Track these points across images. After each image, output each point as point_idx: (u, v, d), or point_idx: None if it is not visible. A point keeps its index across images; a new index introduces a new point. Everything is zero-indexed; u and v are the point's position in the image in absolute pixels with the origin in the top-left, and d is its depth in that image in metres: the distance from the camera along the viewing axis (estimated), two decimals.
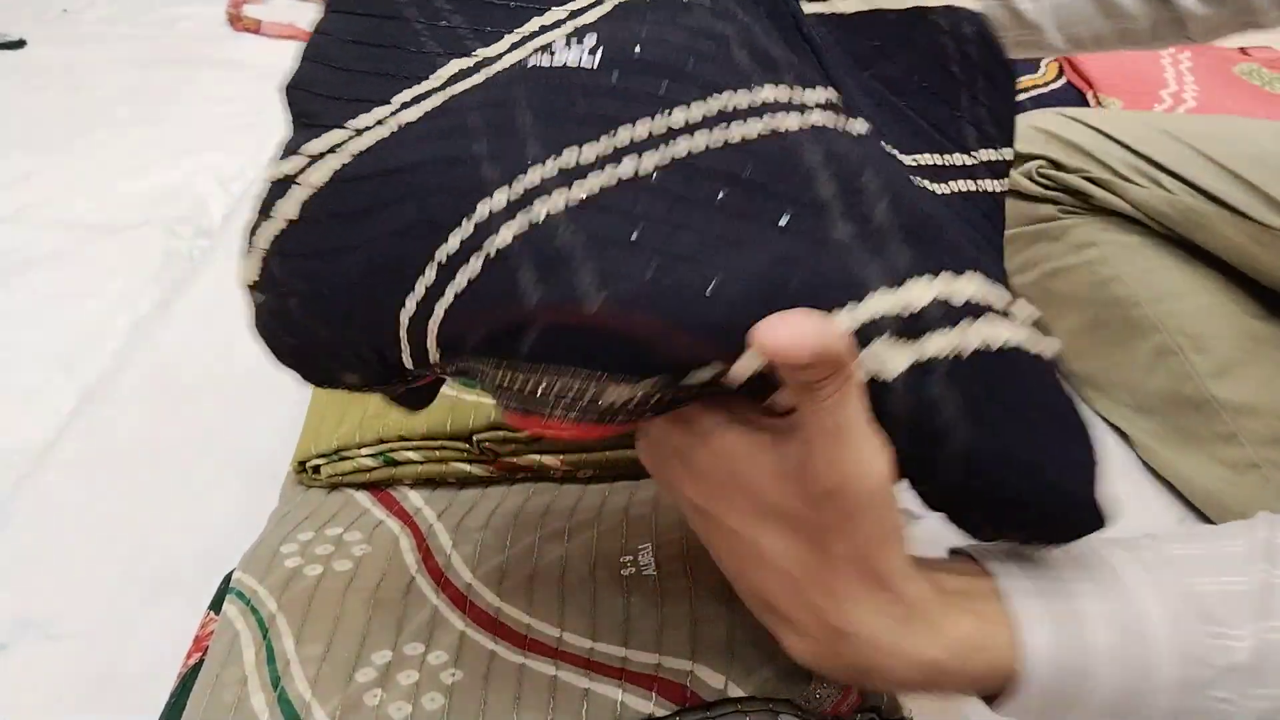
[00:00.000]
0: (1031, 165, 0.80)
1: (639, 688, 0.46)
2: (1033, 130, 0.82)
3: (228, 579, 0.58)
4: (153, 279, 0.95)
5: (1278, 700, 0.33)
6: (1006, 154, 0.41)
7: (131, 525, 0.67)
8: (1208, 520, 0.67)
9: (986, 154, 0.41)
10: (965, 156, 0.40)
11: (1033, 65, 1.14)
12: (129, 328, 0.89)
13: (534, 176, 0.32)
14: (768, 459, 0.32)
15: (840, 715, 0.47)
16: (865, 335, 0.32)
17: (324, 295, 0.36)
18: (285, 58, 1.38)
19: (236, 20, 1.53)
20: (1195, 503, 0.68)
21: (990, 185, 0.40)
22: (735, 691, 0.46)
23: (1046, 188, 0.79)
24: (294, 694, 0.48)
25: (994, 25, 0.41)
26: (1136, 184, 0.75)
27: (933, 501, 0.35)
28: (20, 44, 1.43)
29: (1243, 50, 1.19)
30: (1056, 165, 0.79)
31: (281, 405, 0.77)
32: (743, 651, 0.47)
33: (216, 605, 0.57)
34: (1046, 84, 1.11)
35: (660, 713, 0.46)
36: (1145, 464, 0.71)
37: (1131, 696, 0.34)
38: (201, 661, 0.51)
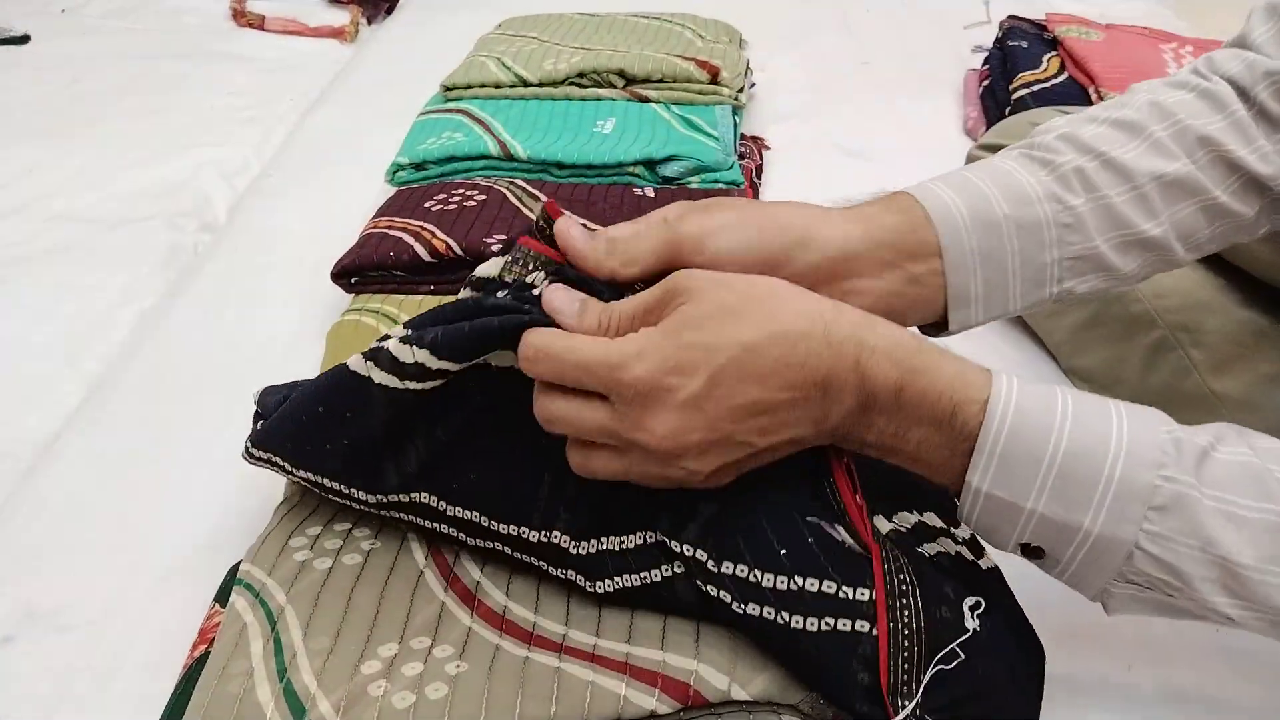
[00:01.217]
0: None
1: (642, 683, 0.47)
2: (1030, 126, 0.82)
3: (233, 571, 0.58)
4: (157, 272, 0.96)
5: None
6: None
7: (137, 517, 0.68)
8: None
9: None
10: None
11: (1035, 60, 1.14)
12: (134, 321, 0.90)
13: None
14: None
15: None
16: None
17: None
18: (288, 52, 1.39)
19: (240, 15, 1.53)
20: None
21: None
22: (739, 694, 0.47)
23: None
24: (299, 685, 0.48)
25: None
26: None
27: None
28: (25, 39, 1.44)
29: None
30: None
31: None
32: (746, 654, 0.48)
33: (222, 598, 0.57)
34: (1049, 79, 1.11)
35: (663, 709, 0.46)
36: None
37: (1085, 457, 0.41)
38: (207, 654, 0.52)
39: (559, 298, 0.46)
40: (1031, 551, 0.44)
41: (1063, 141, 0.55)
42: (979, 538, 0.47)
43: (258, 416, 0.60)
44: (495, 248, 0.83)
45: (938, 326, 0.53)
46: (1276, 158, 0.54)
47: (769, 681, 0.47)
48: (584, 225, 0.49)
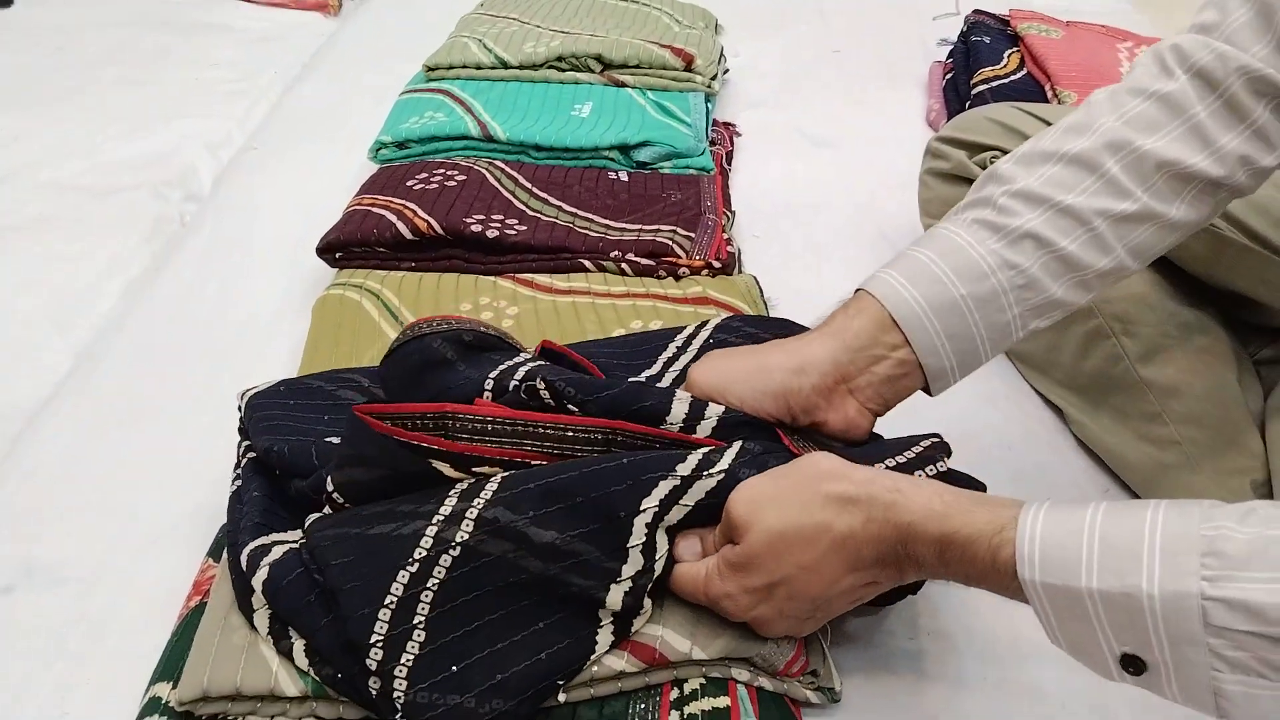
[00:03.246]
0: (985, 155, 0.85)
1: (614, 648, 0.52)
2: (988, 122, 0.87)
3: (224, 529, 0.62)
4: (144, 242, 0.98)
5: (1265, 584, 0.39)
6: None
7: (129, 478, 0.71)
8: (1131, 491, 0.72)
9: None
10: None
11: (996, 56, 1.18)
12: (121, 290, 0.92)
13: None
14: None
15: (790, 675, 0.53)
16: None
17: None
18: (271, 24, 1.40)
19: None
20: (1120, 474, 0.73)
21: None
22: (699, 655, 0.52)
23: None
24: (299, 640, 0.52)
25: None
26: None
27: None
28: (7, 2, 1.44)
29: None
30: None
31: (272, 363, 0.81)
32: (706, 621, 0.53)
33: (215, 553, 0.61)
34: (1008, 75, 1.15)
35: (631, 669, 0.52)
36: (1076, 438, 0.77)
37: (1122, 558, 0.41)
38: (203, 605, 0.56)
39: (684, 551, 0.54)
40: (1132, 663, 0.42)
41: (1015, 200, 0.57)
42: (1085, 665, 0.45)
43: (242, 426, 0.63)
44: (474, 226, 0.86)
45: (925, 389, 0.59)
46: (1232, 152, 0.57)
47: (727, 642, 0.52)
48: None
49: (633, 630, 0.52)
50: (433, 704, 0.48)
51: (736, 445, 0.53)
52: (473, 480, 0.53)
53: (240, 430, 0.63)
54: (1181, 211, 0.57)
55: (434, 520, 0.51)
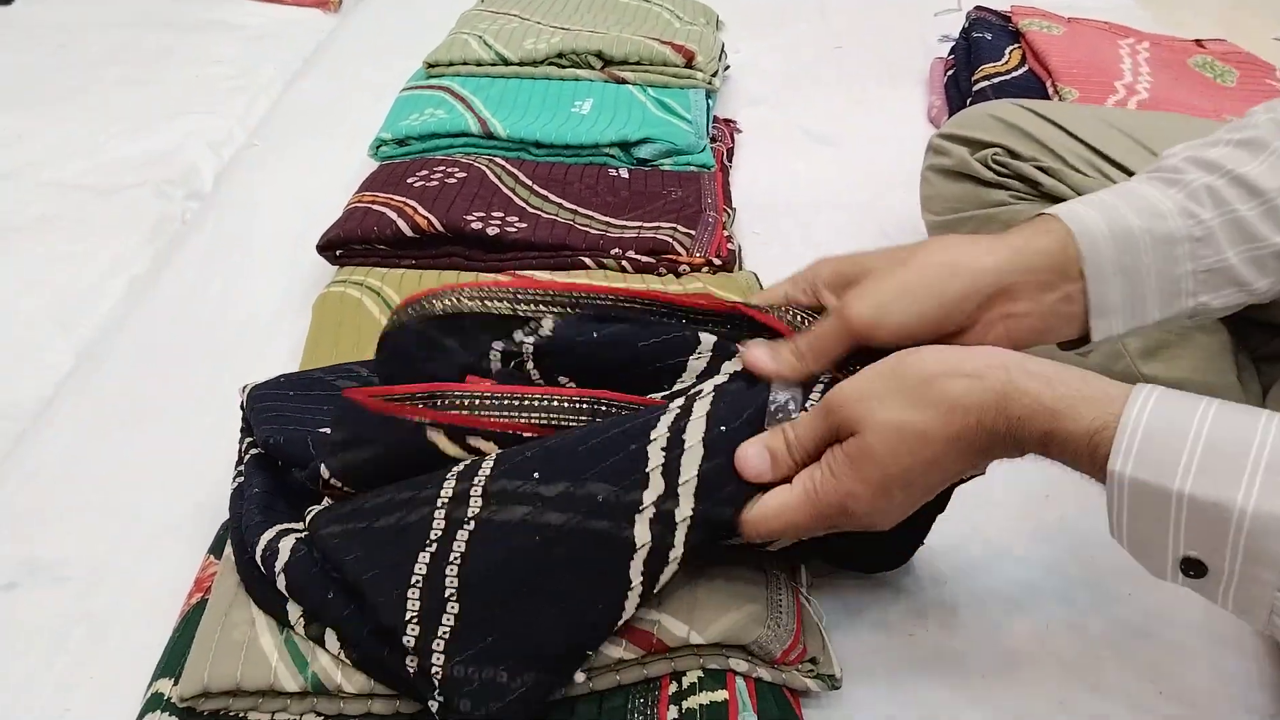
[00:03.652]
0: (987, 152, 0.85)
1: (613, 635, 0.52)
2: (990, 118, 0.87)
3: (226, 526, 0.62)
4: (146, 241, 0.98)
5: None
6: None
7: (131, 477, 0.71)
8: None
9: None
10: None
11: (998, 52, 1.18)
12: (124, 289, 0.92)
13: None
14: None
15: (788, 663, 0.53)
16: None
17: None
18: (271, 21, 1.40)
19: None
20: None
21: None
22: (696, 639, 0.52)
23: (1000, 174, 0.84)
24: (300, 637, 0.52)
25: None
26: (1084, 174, 0.80)
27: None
28: (8, 0, 1.44)
29: (1198, 43, 1.24)
30: (1011, 153, 0.84)
31: (273, 361, 0.81)
32: (704, 606, 0.53)
33: (216, 550, 0.61)
34: (1009, 71, 1.15)
35: (629, 656, 0.52)
36: None
37: None
38: (204, 601, 0.56)
39: (752, 458, 0.51)
40: (1193, 567, 0.42)
41: (1189, 164, 0.57)
42: (1139, 562, 0.46)
43: (245, 422, 0.63)
44: (474, 224, 0.86)
45: (1081, 340, 0.56)
46: None
47: (724, 628, 0.52)
48: (762, 344, 0.54)
49: (659, 583, 0.50)
50: (468, 678, 0.48)
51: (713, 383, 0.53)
52: (469, 460, 0.52)
53: (242, 425, 0.63)
54: None
55: (438, 504, 0.51)
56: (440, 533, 0.50)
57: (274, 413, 0.61)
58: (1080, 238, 0.54)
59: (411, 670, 0.48)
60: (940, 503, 0.55)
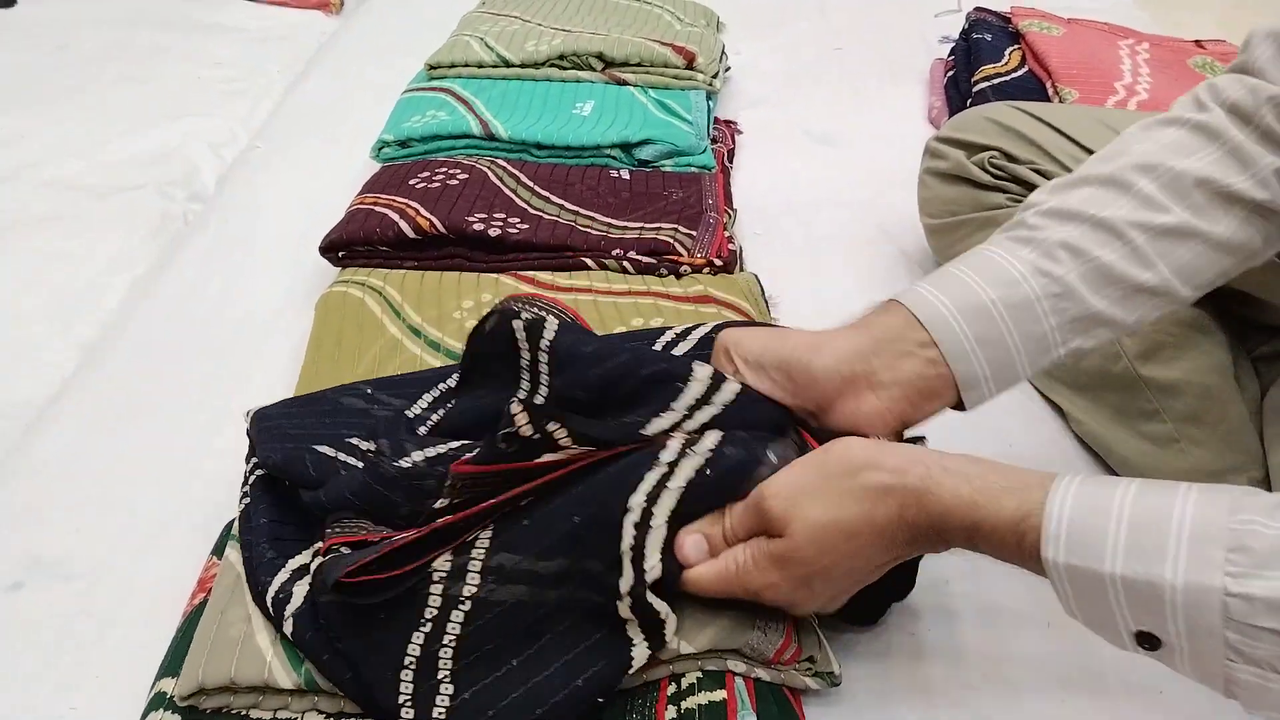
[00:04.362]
0: (984, 156, 0.85)
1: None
2: (986, 121, 0.88)
3: (229, 527, 0.62)
4: (148, 241, 0.99)
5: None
6: None
7: (134, 476, 0.72)
8: None
9: None
10: None
11: (997, 53, 1.18)
12: (126, 288, 0.93)
13: None
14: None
15: (783, 662, 0.53)
16: None
17: None
18: (273, 22, 1.40)
19: None
20: (1119, 471, 0.74)
21: None
22: (686, 649, 0.52)
23: (997, 177, 0.84)
24: None
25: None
26: None
27: None
28: (11, 2, 1.45)
29: (1198, 43, 1.24)
30: (1008, 156, 0.84)
31: (274, 361, 0.82)
32: (691, 614, 0.53)
33: (219, 550, 0.62)
34: (1009, 72, 1.15)
35: None
36: (1076, 435, 0.77)
37: (1149, 533, 0.41)
38: (205, 601, 0.56)
39: (688, 547, 0.53)
40: (1147, 640, 0.43)
41: (1046, 218, 0.57)
42: (1100, 636, 0.46)
43: (251, 451, 0.63)
44: (476, 225, 0.87)
45: (957, 405, 0.56)
46: (1272, 176, 0.56)
47: (713, 634, 0.53)
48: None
49: (666, 640, 0.51)
50: None
51: (718, 433, 0.54)
52: (463, 536, 0.53)
53: (249, 449, 0.63)
54: (1228, 230, 0.56)
55: (434, 579, 0.51)
56: (435, 610, 0.51)
57: (277, 431, 0.61)
58: (925, 321, 0.54)
59: None
60: (903, 587, 0.58)
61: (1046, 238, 0.56)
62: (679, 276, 0.86)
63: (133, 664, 0.57)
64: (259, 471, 0.60)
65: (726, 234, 0.91)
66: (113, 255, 0.96)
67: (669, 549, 0.51)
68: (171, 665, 0.54)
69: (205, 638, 0.53)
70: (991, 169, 0.84)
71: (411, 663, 0.50)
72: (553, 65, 1.16)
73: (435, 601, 0.51)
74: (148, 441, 0.75)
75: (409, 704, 0.49)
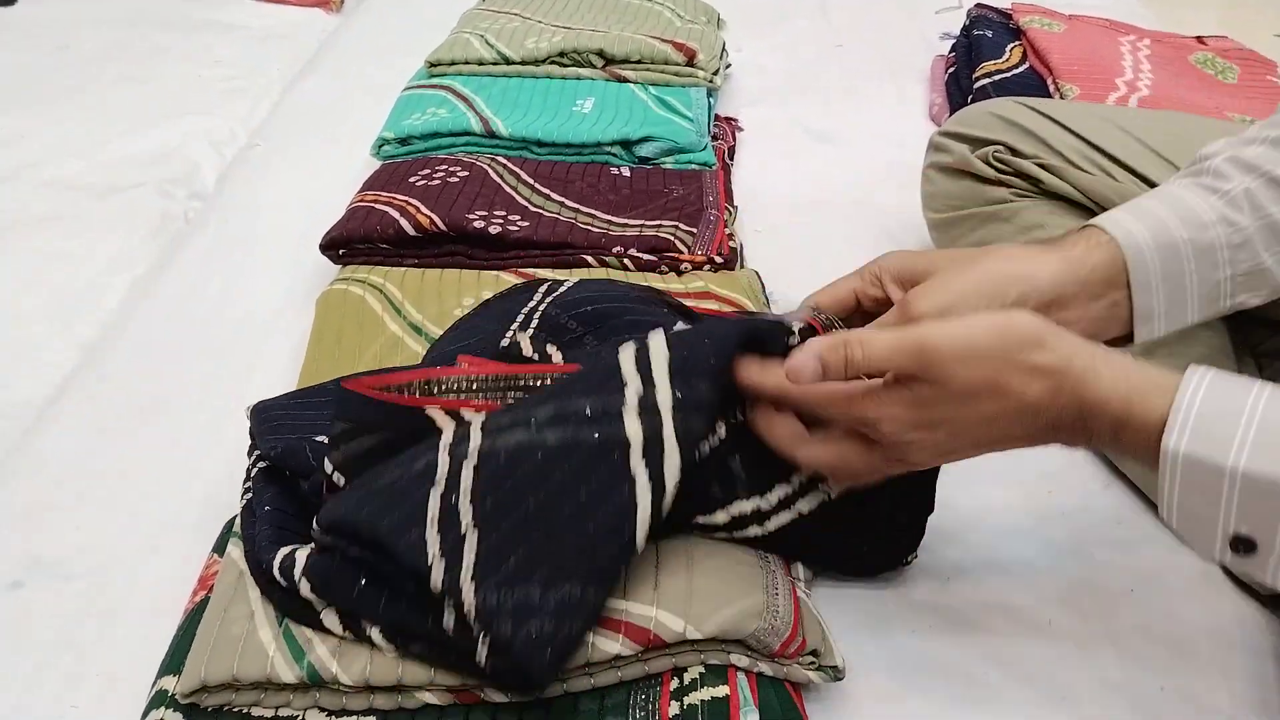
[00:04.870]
0: (988, 150, 0.85)
1: (608, 630, 0.52)
2: (990, 116, 0.87)
3: (229, 525, 0.62)
4: (148, 240, 0.99)
5: None
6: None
7: (134, 475, 0.71)
8: (1132, 486, 0.72)
9: None
10: None
11: (998, 50, 1.18)
12: (126, 287, 0.93)
13: None
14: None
15: (788, 655, 0.53)
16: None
17: None
18: (273, 20, 1.41)
19: None
20: (1120, 467, 0.73)
21: None
22: (693, 634, 0.52)
23: (1001, 171, 0.84)
24: (297, 628, 0.53)
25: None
26: (1086, 171, 0.80)
27: None
28: (11, 0, 1.44)
29: (1200, 39, 1.24)
30: (1012, 151, 0.84)
31: (275, 360, 0.82)
32: (700, 600, 0.53)
33: (220, 548, 0.61)
34: (1010, 69, 1.15)
35: (626, 652, 0.52)
36: None
37: None
38: (207, 599, 0.56)
39: (803, 365, 0.51)
40: (1242, 544, 0.43)
41: (1230, 165, 0.59)
42: (1187, 541, 0.47)
43: (252, 445, 0.63)
44: (476, 222, 0.87)
45: (1124, 340, 0.59)
46: None
47: (720, 621, 0.52)
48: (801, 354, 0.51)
49: (667, 493, 0.50)
50: (501, 602, 0.48)
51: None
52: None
53: (251, 442, 0.63)
54: None
55: (440, 448, 0.52)
56: (446, 470, 0.51)
57: (277, 423, 0.61)
58: (1127, 250, 0.57)
59: (450, 626, 0.48)
60: (927, 502, 0.59)
61: (1233, 187, 0.58)
62: (680, 274, 0.86)
63: (133, 663, 0.57)
64: (261, 464, 0.60)
65: (727, 231, 0.91)
66: (113, 255, 0.96)
67: (680, 373, 0.52)
68: (173, 663, 0.54)
69: (207, 635, 0.53)
70: (996, 163, 0.84)
71: (434, 518, 0.50)
72: (553, 62, 1.16)
73: (444, 463, 0.51)
74: (148, 441, 0.75)
75: (440, 556, 0.48)
